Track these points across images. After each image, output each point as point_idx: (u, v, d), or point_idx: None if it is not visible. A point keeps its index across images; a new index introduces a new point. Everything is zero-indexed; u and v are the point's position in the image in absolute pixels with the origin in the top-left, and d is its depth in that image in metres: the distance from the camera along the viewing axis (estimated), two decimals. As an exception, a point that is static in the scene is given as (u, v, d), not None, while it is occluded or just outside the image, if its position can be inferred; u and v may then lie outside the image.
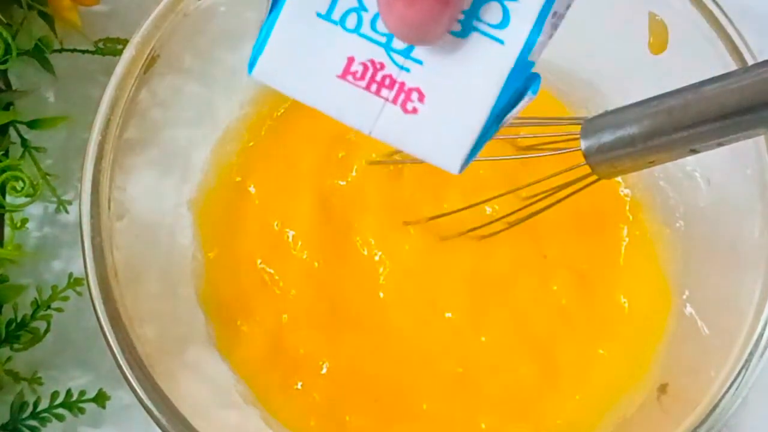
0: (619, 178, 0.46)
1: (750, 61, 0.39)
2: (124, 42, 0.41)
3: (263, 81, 0.27)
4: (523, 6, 0.25)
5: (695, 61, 0.41)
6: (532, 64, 0.26)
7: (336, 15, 0.26)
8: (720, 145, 0.34)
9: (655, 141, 0.34)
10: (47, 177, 0.46)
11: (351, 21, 0.26)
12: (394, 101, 0.26)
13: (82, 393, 0.43)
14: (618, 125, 0.36)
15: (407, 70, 0.26)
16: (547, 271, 0.45)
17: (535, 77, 0.26)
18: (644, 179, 0.45)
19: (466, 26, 0.25)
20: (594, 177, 0.38)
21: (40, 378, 0.45)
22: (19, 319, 0.43)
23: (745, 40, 0.40)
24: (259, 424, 0.43)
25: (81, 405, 0.43)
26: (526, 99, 0.26)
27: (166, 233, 0.44)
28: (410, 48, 0.26)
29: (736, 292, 0.40)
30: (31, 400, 0.44)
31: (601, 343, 0.44)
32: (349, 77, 0.26)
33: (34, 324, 0.43)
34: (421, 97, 0.26)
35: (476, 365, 0.44)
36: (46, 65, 0.47)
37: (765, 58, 0.33)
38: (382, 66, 0.26)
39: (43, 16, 0.47)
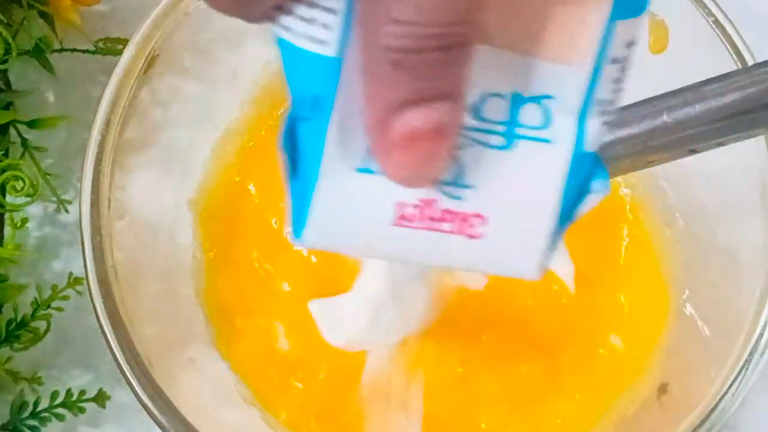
0: (618, 178, 0.46)
1: (750, 61, 0.39)
2: (124, 42, 0.41)
3: (313, 248, 0.25)
4: (560, 101, 0.24)
5: (695, 61, 0.41)
6: (592, 154, 0.24)
7: (375, 165, 0.24)
8: (720, 145, 0.34)
9: (655, 141, 0.34)
10: (47, 177, 0.46)
11: None
12: (456, 231, 0.25)
13: (82, 393, 0.43)
14: (617, 125, 0.36)
15: (460, 198, 0.24)
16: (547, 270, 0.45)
17: (599, 168, 0.25)
18: (644, 179, 0.45)
19: (509, 136, 0.24)
20: (594, 177, 0.38)
21: (40, 378, 0.45)
22: (19, 319, 0.43)
23: (744, 40, 0.40)
24: (259, 424, 0.43)
25: (81, 405, 0.43)
26: (594, 195, 0.25)
27: (166, 233, 0.44)
28: (458, 176, 0.24)
29: (736, 292, 0.40)
30: (31, 399, 0.44)
31: (601, 343, 0.44)
32: (405, 222, 0.25)
33: (34, 324, 0.43)
34: (483, 220, 0.25)
35: (476, 365, 0.44)
36: (46, 65, 0.47)
37: (765, 58, 0.33)
38: (435, 201, 0.24)
39: (43, 15, 0.47)
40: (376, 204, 0.24)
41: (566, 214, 0.25)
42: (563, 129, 0.24)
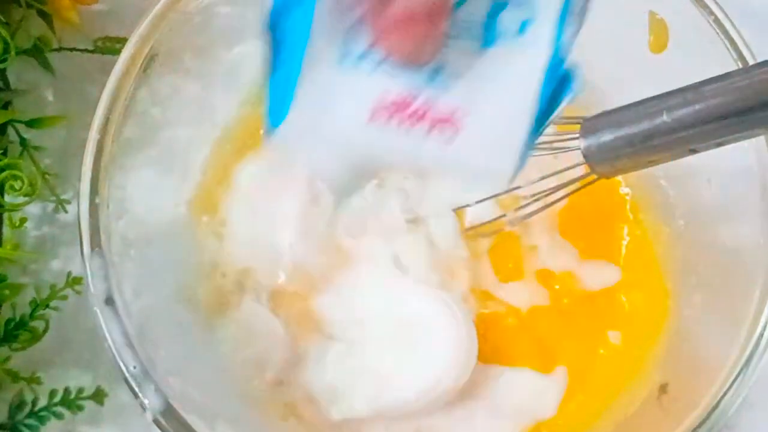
0: (619, 178, 0.46)
1: (750, 61, 0.39)
2: (123, 41, 0.41)
3: (287, 145, 0.25)
4: (542, 5, 0.24)
5: (695, 61, 0.41)
6: (563, 60, 0.25)
7: (351, 61, 0.24)
8: (719, 145, 0.34)
9: (655, 141, 0.34)
10: (46, 176, 0.46)
11: (368, 64, 0.24)
12: (431, 131, 0.25)
13: (80, 390, 0.43)
14: (617, 125, 0.36)
15: (437, 96, 0.25)
16: (547, 270, 0.45)
17: (573, 72, 0.25)
18: (644, 179, 0.45)
19: (488, 38, 0.24)
20: (593, 176, 0.38)
21: (39, 377, 0.45)
22: (17, 319, 0.43)
23: (745, 40, 0.40)
24: (258, 423, 0.43)
25: (79, 402, 0.43)
26: (569, 96, 0.25)
27: (166, 233, 0.44)
28: (435, 75, 0.24)
29: (736, 292, 0.40)
30: (29, 399, 0.43)
31: (601, 343, 0.44)
32: (380, 119, 0.24)
33: (33, 323, 0.43)
34: (458, 121, 0.25)
35: (477, 365, 0.44)
36: (45, 64, 0.47)
37: (765, 58, 0.33)
38: (413, 97, 0.24)
39: (42, 15, 0.47)
40: (355, 97, 0.24)
41: (542, 117, 0.25)
42: (542, 33, 0.24)
